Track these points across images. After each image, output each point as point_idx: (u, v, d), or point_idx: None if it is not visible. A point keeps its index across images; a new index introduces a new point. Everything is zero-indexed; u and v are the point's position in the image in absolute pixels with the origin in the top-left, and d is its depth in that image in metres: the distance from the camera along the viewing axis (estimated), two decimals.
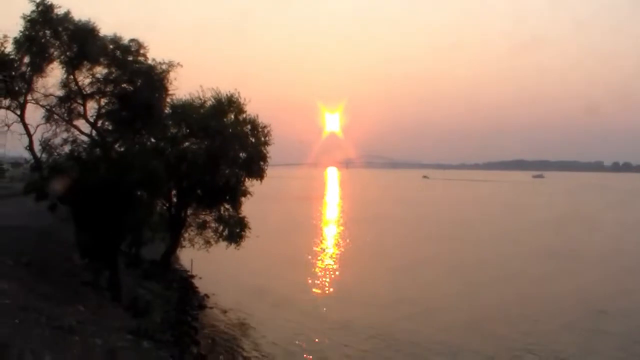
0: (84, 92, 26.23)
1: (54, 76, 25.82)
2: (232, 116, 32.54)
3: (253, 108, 33.01)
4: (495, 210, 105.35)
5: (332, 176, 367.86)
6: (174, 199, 33.20)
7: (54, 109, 26.11)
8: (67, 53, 25.32)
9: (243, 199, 33.69)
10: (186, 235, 34.06)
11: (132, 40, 26.44)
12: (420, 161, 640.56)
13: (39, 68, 25.27)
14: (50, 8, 24.68)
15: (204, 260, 36.33)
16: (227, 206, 33.64)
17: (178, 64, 27.18)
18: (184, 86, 29.81)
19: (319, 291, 37.85)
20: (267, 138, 33.06)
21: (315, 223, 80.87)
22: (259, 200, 37.15)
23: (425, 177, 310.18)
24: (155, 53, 27.09)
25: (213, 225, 34.01)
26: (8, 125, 25.59)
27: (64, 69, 25.73)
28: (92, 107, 26.64)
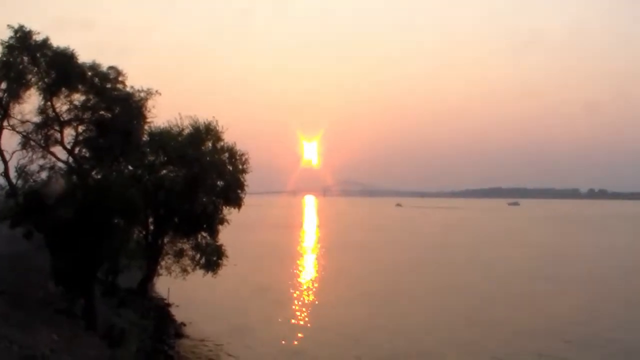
0: (62, 119, 26.07)
1: (31, 102, 25.71)
2: (210, 144, 32.55)
3: (231, 136, 33.18)
4: (465, 238, 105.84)
5: (310, 204, 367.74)
6: (151, 227, 32.92)
7: (30, 135, 25.88)
8: (45, 79, 25.22)
9: (220, 227, 33.50)
10: (163, 263, 33.70)
11: (111, 67, 26.53)
12: (398, 189, 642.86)
13: (16, 94, 25.09)
14: (28, 34, 24.67)
15: (180, 288, 35.95)
16: (204, 234, 33.39)
17: (156, 91, 27.66)
18: (162, 114, 30.02)
19: (294, 321, 37.51)
20: (244, 166, 33.20)
21: (292, 251, 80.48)
22: (236, 229, 37.06)
23: (398, 205, 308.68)
24: (132, 79, 27.22)
25: (190, 253, 33.70)
26: None
27: (42, 95, 25.59)
28: (69, 134, 26.53)
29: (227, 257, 33.37)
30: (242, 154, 33.12)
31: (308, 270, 63.34)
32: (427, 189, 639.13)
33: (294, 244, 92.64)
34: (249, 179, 33.48)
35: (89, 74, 25.90)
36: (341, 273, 59.12)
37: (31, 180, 25.14)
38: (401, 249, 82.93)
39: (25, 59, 24.87)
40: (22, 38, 24.51)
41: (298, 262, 69.04)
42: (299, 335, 33.68)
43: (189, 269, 33.52)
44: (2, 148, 25.40)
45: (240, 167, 33.06)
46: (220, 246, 33.38)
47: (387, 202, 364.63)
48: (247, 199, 34.07)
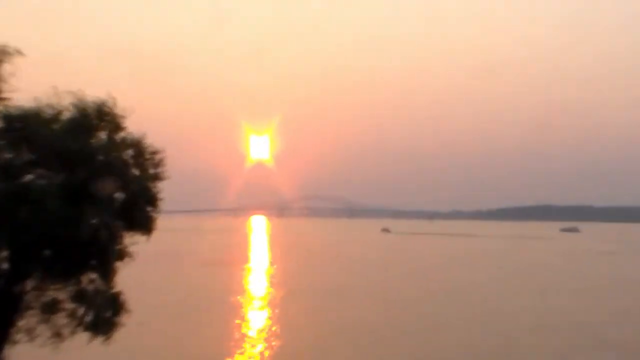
0: None
1: None
2: (105, 135, 31.48)
3: (138, 124, 32.14)
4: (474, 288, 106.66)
5: (259, 228, 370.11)
6: (5, 265, 31.44)
7: None
8: None
9: (119, 264, 32.30)
10: (22, 323, 32.19)
11: None
12: (393, 207, 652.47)
13: None
14: None
15: None
16: (92, 276, 32.14)
17: (17, 50, 26.33)
18: (27, 86, 28.59)
19: None
20: (158, 169, 32.12)
21: (230, 301, 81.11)
22: (145, 267, 35.84)
23: (385, 230, 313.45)
24: None
25: (69, 306, 32.28)
26: None
27: None
28: None
29: (128, 311, 32.08)
30: (155, 152, 31.95)
31: (251, 330, 63.74)
32: (439, 207, 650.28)
33: (232, 290, 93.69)
34: (165, 190, 32.27)
35: None
36: (294, 334, 59.68)
37: None
38: (379, 304, 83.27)
39: None
40: None
41: (243, 318, 70.14)
42: None
43: (65, 331, 32.02)
44: None
45: (152, 170, 31.96)
46: (117, 294, 31.99)
47: (373, 225, 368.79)
48: (163, 221, 32.57)
